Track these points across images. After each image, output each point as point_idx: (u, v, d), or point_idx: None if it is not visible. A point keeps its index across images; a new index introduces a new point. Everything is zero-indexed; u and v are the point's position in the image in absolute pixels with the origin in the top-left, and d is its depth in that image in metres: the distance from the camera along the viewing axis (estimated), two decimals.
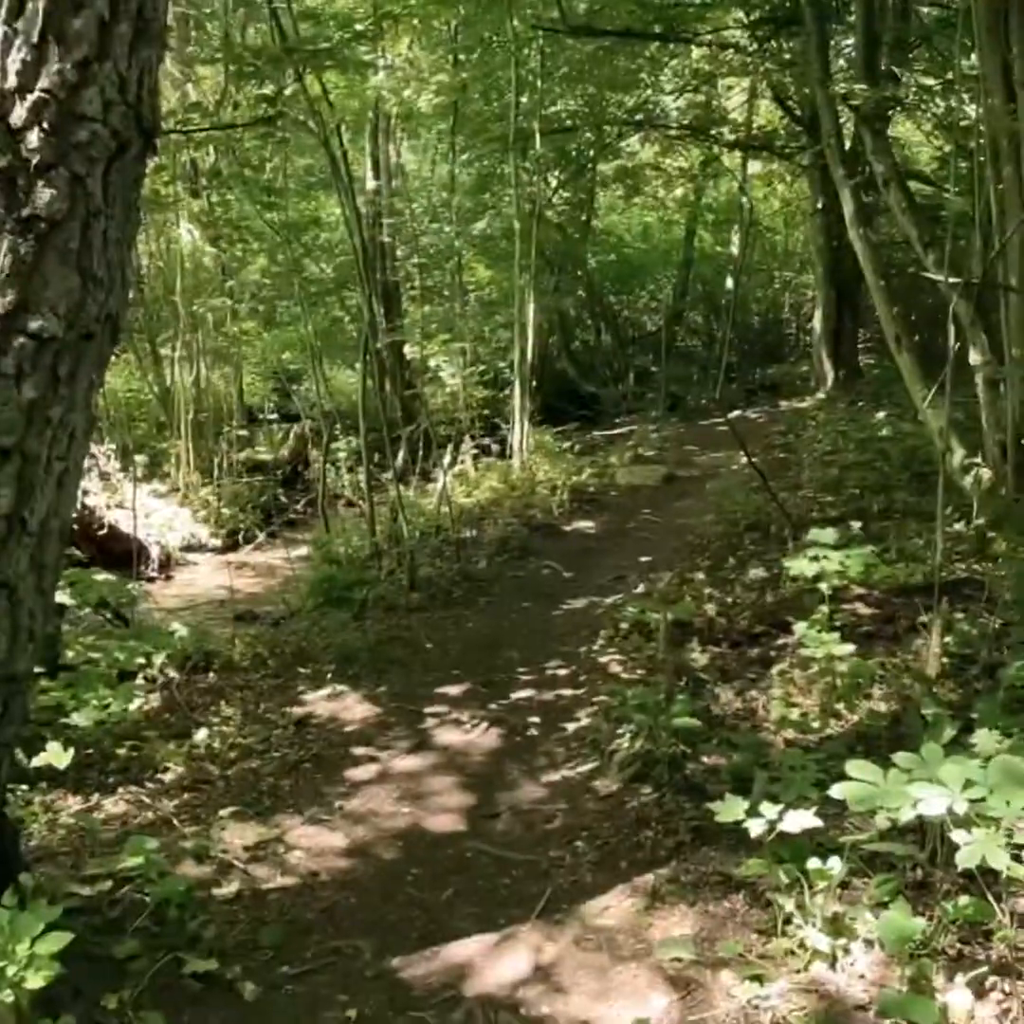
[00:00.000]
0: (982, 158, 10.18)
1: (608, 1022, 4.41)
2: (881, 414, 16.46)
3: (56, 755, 5.87)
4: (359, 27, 11.57)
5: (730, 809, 4.83)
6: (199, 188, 19.21)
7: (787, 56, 20.11)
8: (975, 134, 10.88)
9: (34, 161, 3.66)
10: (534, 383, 19.96)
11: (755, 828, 4.68)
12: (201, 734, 7.66)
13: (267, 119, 10.44)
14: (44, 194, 3.68)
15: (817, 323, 22.88)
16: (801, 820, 4.63)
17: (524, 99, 19.77)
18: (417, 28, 20.25)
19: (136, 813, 6.53)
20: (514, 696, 8.71)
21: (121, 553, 13.62)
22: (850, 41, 20.28)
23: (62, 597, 7.76)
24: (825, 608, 7.58)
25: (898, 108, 21.73)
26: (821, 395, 21.67)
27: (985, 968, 4.14)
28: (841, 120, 14.64)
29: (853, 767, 4.35)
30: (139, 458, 16.92)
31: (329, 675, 9.14)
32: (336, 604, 11.41)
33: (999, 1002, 4.02)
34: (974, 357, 10.59)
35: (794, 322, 33.06)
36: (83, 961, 4.44)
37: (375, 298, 17.90)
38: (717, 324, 30.70)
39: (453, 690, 8.93)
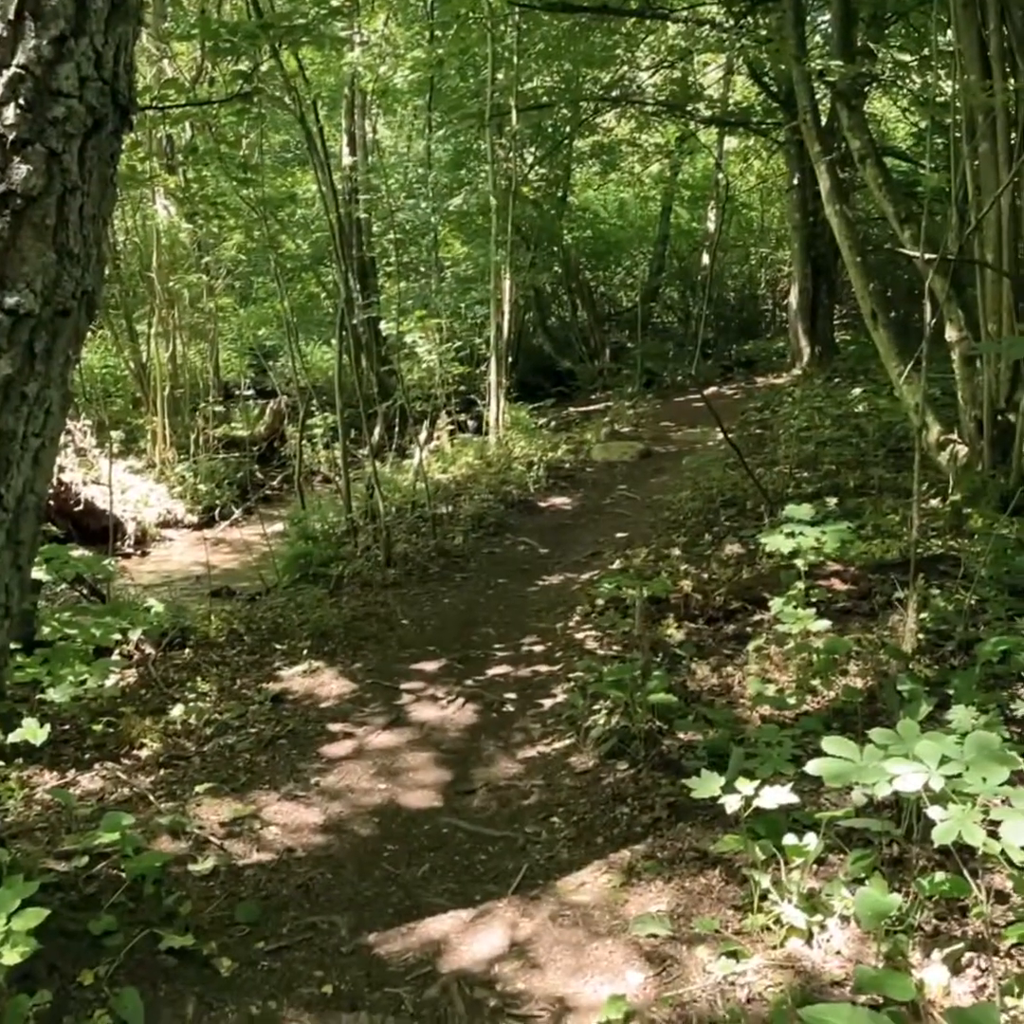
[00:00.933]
0: (958, 134, 10.17)
1: (584, 998, 4.42)
2: (857, 390, 16.50)
3: (32, 731, 5.85)
4: (335, 3, 11.48)
5: (706, 785, 4.83)
6: (175, 164, 19.13)
7: (763, 32, 20.06)
8: (951, 110, 10.85)
9: (10, 137, 3.63)
10: (510, 359, 19.97)
11: (731, 804, 4.69)
12: (177, 710, 7.66)
13: (243, 95, 10.36)
14: (20, 170, 3.66)
15: (793, 299, 22.90)
16: (777, 796, 4.64)
17: (500, 75, 19.77)
18: (393, 4, 20.27)
19: (112, 789, 6.53)
20: (490, 672, 8.71)
21: (97, 529, 13.62)
22: (826, 17, 20.29)
23: (38, 573, 7.73)
24: (801, 584, 7.59)
25: (874, 84, 21.81)
26: (797, 371, 21.72)
27: (961, 944, 4.16)
28: (817, 96, 14.64)
29: (829, 743, 4.35)
30: (115, 434, 16.86)
31: (305, 651, 9.15)
32: (312, 580, 11.43)
33: (975, 978, 4.04)
34: (950, 333, 10.62)
35: (770, 298, 33.12)
36: (59, 937, 4.45)
37: (351, 274, 17.84)
38: (693, 300, 30.76)
39: (429, 666, 8.93)
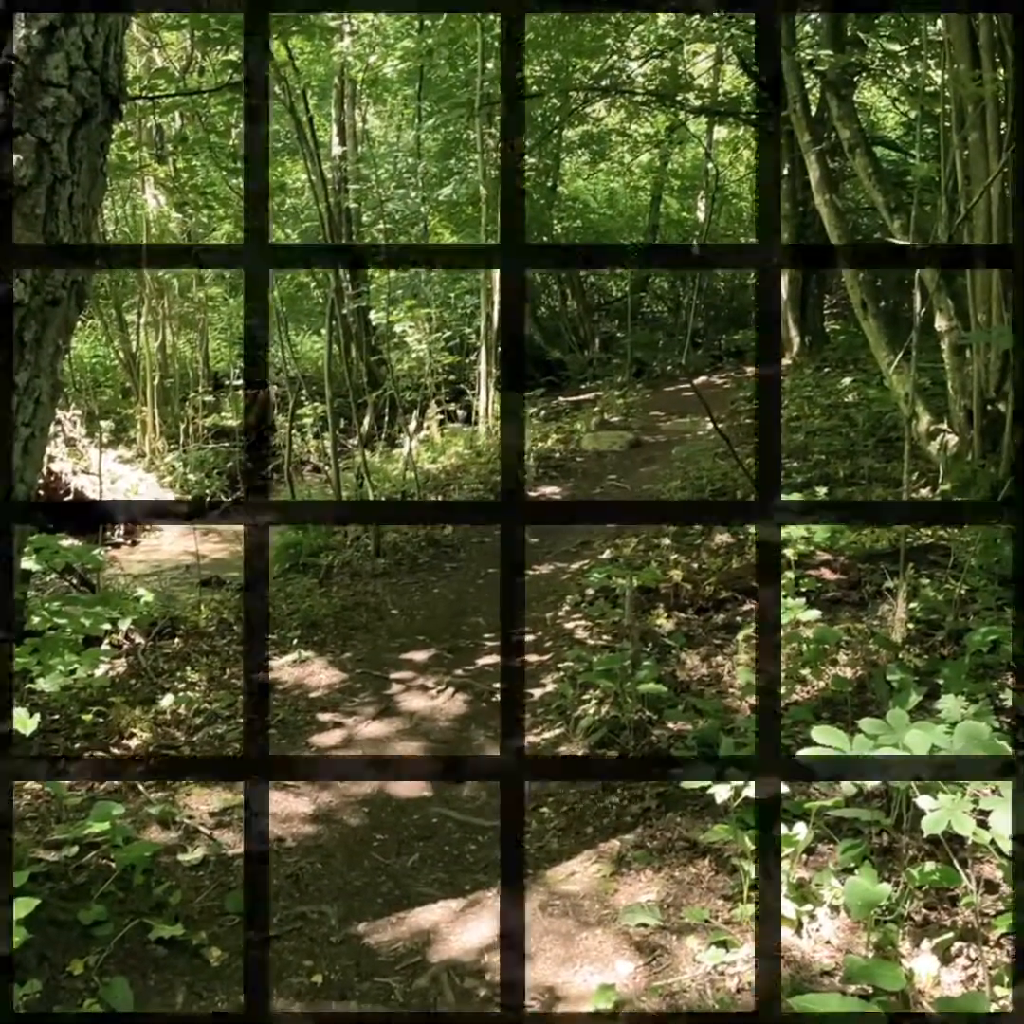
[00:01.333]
0: (948, 124, 10.18)
1: (573, 987, 4.42)
2: (847, 380, 16.54)
3: (21, 721, 5.84)
4: None
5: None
6: (165, 154, 19.11)
7: (753, 22, 20.03)
8: (941, 100, 10.86)
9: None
10: (500, 349, 19.93)
11: (720, 794, 4.70)
12: (167, 700, 7.66)
13: (233, 85, 10.37)
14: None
15: (783, 289, 22.85)
16: None
17: (490, 65, 19.71)
18: None
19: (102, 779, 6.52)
20: (480, 662, 8.71)
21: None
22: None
23: (27, 563, 7.72)
24: (791, 574, 7.59)
25: (864, 74, 21.78)
26: (787, 361, 21.69)
27: (951, 934, 4.17)
28: (807, 86, 14.63)
29: (819, 733, 4.35)
30: (105, 424, 16.86)
31: (294, 641, 9.15)
32: (302, 570, 11.42)
33: (965, 968, 4.05)
34: (940, 323, 10.63)
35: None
36: (49, 926, 4.45)
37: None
38: (683, 290, 30.73)
39: (419, 656, 8.93)
